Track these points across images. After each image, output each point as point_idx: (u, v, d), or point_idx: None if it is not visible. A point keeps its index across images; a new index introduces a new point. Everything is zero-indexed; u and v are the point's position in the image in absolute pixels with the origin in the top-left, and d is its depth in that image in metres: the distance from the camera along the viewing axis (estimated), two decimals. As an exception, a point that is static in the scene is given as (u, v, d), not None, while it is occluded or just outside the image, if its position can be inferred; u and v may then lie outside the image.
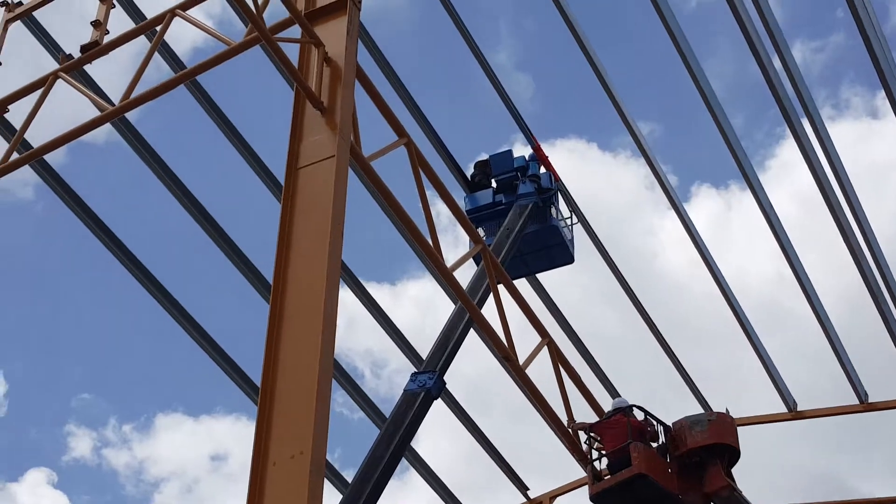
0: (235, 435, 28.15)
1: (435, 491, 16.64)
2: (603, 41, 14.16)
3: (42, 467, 29.09)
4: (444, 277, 10.40)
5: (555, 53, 20.56)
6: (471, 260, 11.98)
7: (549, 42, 20.91)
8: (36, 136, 10.69)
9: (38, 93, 10.50)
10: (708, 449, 12.36)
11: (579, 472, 14.93)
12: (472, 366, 17.49)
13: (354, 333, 18.22)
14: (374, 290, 14.74)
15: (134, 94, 9.75)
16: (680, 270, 22.66)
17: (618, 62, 15.31)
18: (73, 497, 30.04)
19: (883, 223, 16.30)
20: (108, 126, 10.99)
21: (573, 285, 17.76)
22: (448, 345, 11.72)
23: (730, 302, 16.09)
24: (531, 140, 15.38)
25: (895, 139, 13.41)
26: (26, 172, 11.40)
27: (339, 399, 15.72)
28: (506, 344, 11.35)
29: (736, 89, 22.02)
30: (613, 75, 14.12)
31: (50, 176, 12.31)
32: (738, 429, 12.79)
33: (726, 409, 12.89)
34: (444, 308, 14.57)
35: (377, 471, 10.20)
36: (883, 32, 13.04)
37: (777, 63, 13.25)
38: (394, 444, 10.50)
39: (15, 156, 10.42)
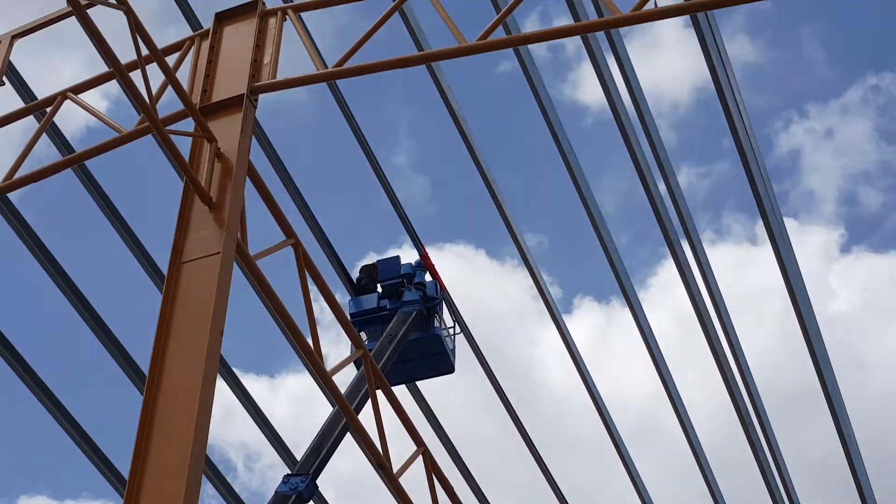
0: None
1: None
2: (498, 150, 14.43)
3: None
4: (324, 382, 10.27)
5: (450, 158, 20.87)
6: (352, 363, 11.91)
7: (446, 147, 21.24)
8: None
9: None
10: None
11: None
12: (348, 464, 17.25)
13: (230, 424, 17.81)
14: (252, 381, 14.57)
15: (17, 175, 9.52)
16: (560, 382, 22.87)
17: (511, 172, 15.60)
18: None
19: (755, 347, 16.81)
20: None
21: (454, 392, 17.77)
22: (323, 449, 11.61)
23: (603, 417, 16.26)
24: (419, 247, 15.53)
25: (771, 266, 13.84)
26: None
27: (210, 491, 15.33)
28: (381, 452, 11.21)
29: (626, 206, 22.65)
30: (506, 185, 14.39)
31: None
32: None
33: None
34: (322, 404, 14.44)
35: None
36: (764, 163, 13.63)
37: (662, 186, 13.68)
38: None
39: None
